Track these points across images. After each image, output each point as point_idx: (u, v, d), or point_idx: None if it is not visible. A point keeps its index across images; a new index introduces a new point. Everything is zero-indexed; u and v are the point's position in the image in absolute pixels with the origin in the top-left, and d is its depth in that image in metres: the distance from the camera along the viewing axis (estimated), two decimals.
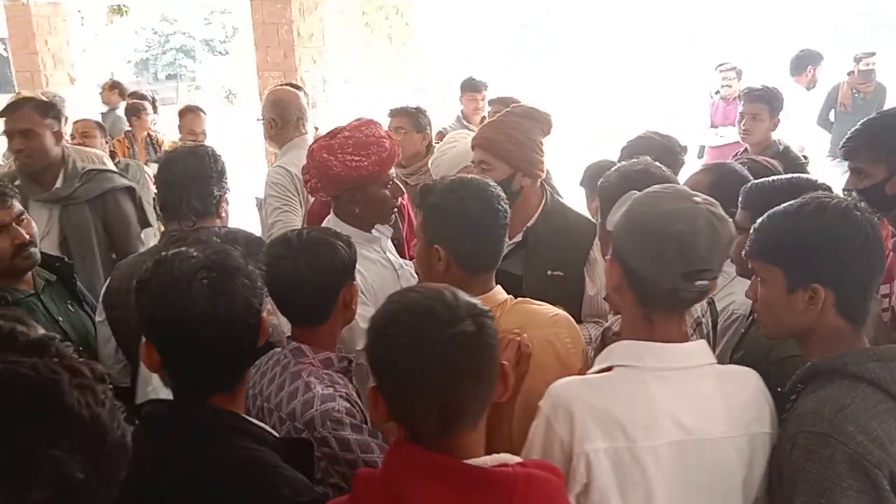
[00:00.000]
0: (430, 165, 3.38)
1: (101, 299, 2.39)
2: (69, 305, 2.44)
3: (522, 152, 2.47)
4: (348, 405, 1.73)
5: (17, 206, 2.30)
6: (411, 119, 3.95)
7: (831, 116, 6.81)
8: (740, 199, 2.02)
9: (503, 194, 1.88)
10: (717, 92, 7.11)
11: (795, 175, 2.04)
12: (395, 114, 4.01)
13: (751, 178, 2.33)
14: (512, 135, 2.48)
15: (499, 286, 1.91)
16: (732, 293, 2.18)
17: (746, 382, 1.53)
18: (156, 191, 2.60)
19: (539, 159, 2.51)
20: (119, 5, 8.84)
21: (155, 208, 2.87)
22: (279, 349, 1.91)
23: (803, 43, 6.83)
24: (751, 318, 2.02)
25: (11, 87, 9.41)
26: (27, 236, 2.27)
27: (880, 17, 16.32)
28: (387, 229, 2.57)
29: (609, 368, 1.50)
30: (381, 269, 2.44)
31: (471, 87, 5.78)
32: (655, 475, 1.41)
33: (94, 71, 8.45)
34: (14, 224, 2.25)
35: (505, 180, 2.43)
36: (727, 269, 2.27)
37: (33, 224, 2.34)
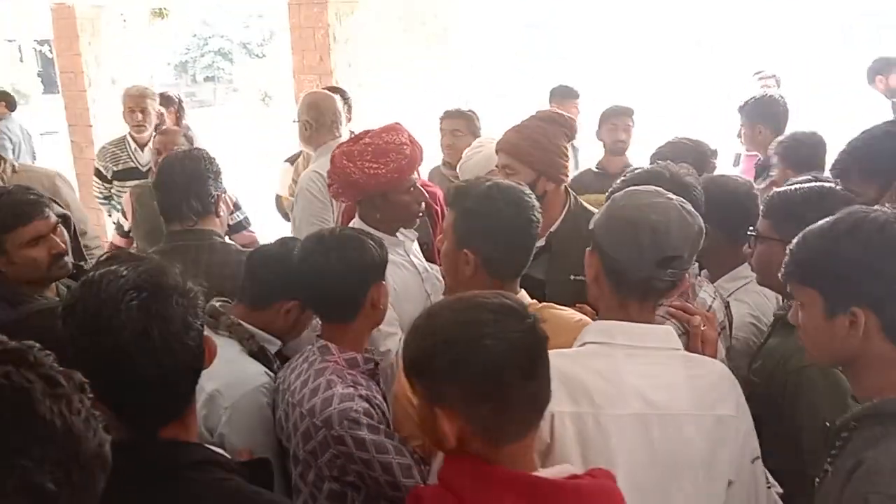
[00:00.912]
0: (458, 170, 3.41)
1: None
2: None
3: (546, 157, 2.48)
4: (367, 405, 1.75)
5: (53, 216, 2.33)
6: (467, 122, 3.99)
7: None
8: (762, 207, 2.00)
9: (537, 203, 1.90)
10: None
11: (819, 184, 2.01)
12: (450, 115, 4.04)
13: (742, 192, 2.32)
14: (536, 139, 2.49)
15: (523, 291, 1.93)
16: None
17: (712, 368, 1.60)
18: (157, 195, 2.65)
19: (563, 164, 2.52)
20: (160, 8, 9.01)
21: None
22: (310, 346, 1.95)
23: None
24: (772, 327, 2.00)
25: (56, 87, 9.65)
26: (63, 246, 2.31)
27: (886, 18, 15.95)
28: (412, 232, 2.59)
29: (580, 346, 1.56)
30: (405, 272, 2.46)
31: (564, 95, 5.47)
32: (618, 445, 1.45)
33: (135, 73, 8.61)
34: (51, 234, 2.29)
35: (528, 185, 2.45)
36: (726, 286, 2.26)
37: (65, 233, 2.38)
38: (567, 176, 2.56)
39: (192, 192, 2.53)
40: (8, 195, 2.27)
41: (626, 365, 1.50)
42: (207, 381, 1.87)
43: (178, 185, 2.55)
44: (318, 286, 1.87)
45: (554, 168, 2.48)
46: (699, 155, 2.85)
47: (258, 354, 2.02)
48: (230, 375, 1.91)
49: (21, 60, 18.22)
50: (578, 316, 1.91)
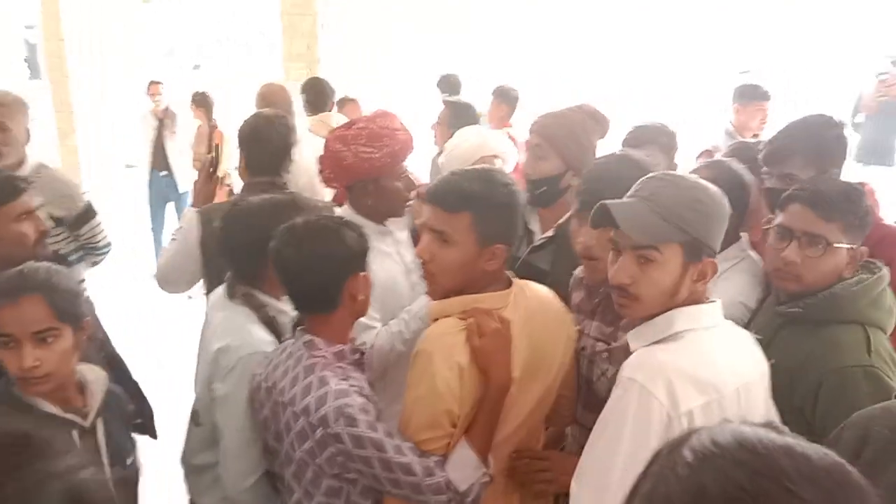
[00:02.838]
0: (439, 161, 3.38)
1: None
2: None
3: (581, 152, 2.45)
4: (363, 400, 1.70)
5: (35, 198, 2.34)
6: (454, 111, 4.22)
7: (857, 119, 6.81)
8: (783, 202, 1.94)
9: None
10: None
11: (846, 181, 1.96)
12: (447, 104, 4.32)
13: (746, 177, 2.31)
14: (575, 132, 2.46)
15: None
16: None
17: (744, 332, 1.72)
18: (246, 148, 2.90)
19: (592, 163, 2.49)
20: None
21: None
22: (291, 340, 1.90)
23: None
24: (779, 324, 1.93)
25: (39, 73, 9.53)
26: (46, 225, 2.33)
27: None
28: (401, 222, 2.56)
29: (662, 339, 1.57)
30: (392, 263, 2.43)
31: (750, 96, 4.58)
32: (734, 420, 1.47)
33: (122, 59, 8.52)
34: (35, 213, 2.28)
35: (554, 176, 2.44)
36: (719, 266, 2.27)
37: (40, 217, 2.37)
38: None
39: (287, 152, 2.86)
40: None
41: (715, 344, 1.57)
42: (215, 342, 2.05)
43: (277, 141, 2.84)
44: (293, 278, 1.82)
45: (582, 165, 2.44)
46: (666, 137, 2.90)
47: (268, 324, 2.09)
48: (237, 337, 2.01)
49: (7, 46, 18.00)
50: (551, 293, 1.95)
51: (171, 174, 6.99)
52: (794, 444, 0.76)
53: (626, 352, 1.80)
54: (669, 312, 1.57)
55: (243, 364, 1.96)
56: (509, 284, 1.85)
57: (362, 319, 2.03)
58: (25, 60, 17.62)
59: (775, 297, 2.03)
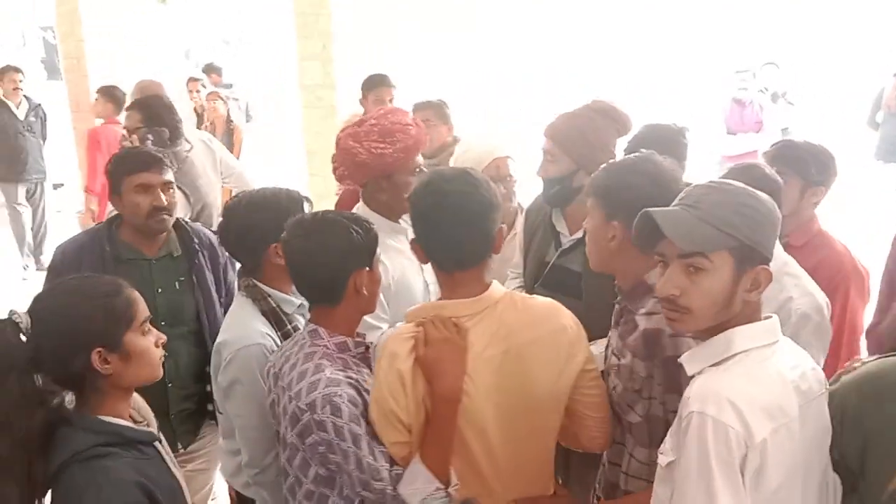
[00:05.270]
0: (451, 164, 3.39)
1: None
2: (176, 283, 2.56)
3: (590, 151, 2.43)
4: (353, 393, 1.71)
5: (168, 175, 2.49)
6: (436, 111, 4.11)
7: (878, 118, 6.80)
8: None
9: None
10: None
11: None
12: (420, 108, 4.15)
13: (777, 179, 2.26)
14: (583, 131, 2.44)
15: (494, 281, 1.82)
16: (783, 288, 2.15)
17: (804, 350, 1.63)
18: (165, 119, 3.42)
19: (606, 160, 2.45)
20: None
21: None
22: (300, 331, 1.93)
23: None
24: None
25: (58, 73, 9.62)
26: (165, 202, 2.44)
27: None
28: None
29: (721, 361, 1.51)
30: (405, 260, 2.41)
31: None
32: (798, 441, 1.48)
33: (140, 59, 8.57)
34: (158, 189, 2.44)
35: (566, 175, 2.43)
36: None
37: (176, 197, 2.54)
38: None
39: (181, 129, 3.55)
40: (136, 149, 2.71)
41: (777, 362, 1.50)
42: (220, 335, 2.20)
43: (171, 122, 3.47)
44: (299, 268, 1.86)
45: (595, 164, 2.42)
46: (672, 136, 2.81)
47: (268, 314, 2.15)
48: (234, 331, 2.14)
49: (24, 45, 18.22)
50: (548, 300, 1.85)
51: None
52: None
53: (632, 371, 1.78)
54: (727, 332, 1.51)
55: (240, 356, 2.07)
56: (483, 290, 1.73)
57: (368, 318, 2.04)
58: (42, 62, 17.83)
59: None
